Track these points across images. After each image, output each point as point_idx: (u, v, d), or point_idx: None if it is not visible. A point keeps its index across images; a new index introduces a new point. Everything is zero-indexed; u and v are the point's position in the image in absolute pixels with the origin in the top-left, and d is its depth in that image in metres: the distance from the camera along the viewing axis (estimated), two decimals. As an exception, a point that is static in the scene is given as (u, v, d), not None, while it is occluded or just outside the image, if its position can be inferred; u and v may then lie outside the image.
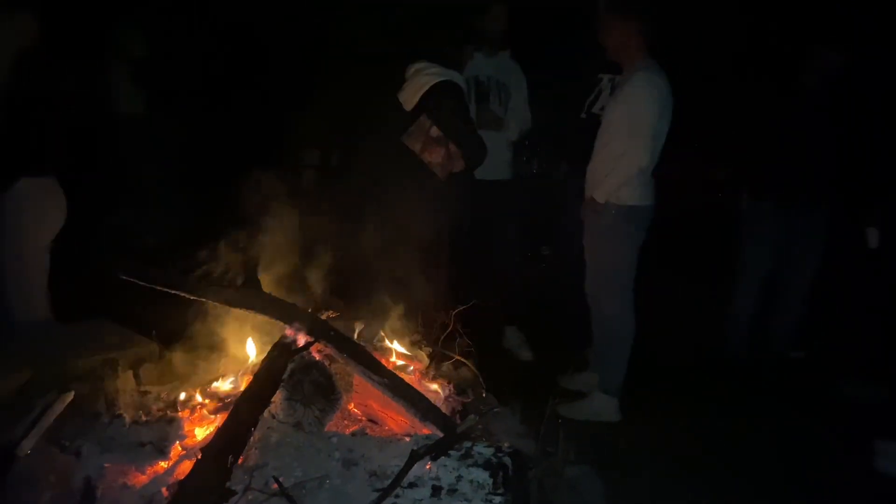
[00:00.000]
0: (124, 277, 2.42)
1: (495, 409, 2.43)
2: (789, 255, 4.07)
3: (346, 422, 2.41)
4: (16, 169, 2.79)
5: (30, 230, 2.89)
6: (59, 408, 2.07)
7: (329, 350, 2.35)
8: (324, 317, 2.54)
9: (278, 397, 2.18)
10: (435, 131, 3.10)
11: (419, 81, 3.12)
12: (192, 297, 2.39)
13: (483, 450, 2.04)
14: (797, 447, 3.24)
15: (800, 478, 3.01)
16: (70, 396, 2.10)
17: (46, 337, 2.73)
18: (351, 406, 2.45)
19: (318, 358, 2.37)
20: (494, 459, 2.00)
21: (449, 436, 2.08)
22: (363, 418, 2.44)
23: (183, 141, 5.23)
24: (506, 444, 2.10)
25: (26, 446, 1.98)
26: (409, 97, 3.16)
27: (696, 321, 4.45)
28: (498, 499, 1.88)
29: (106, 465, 2.02)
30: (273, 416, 2.18)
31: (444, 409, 2.36)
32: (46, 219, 2.93)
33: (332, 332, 2.37)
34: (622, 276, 3.41)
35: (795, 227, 4.00)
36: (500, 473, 1.95)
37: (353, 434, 2.28)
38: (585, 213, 3.47)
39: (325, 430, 2.25)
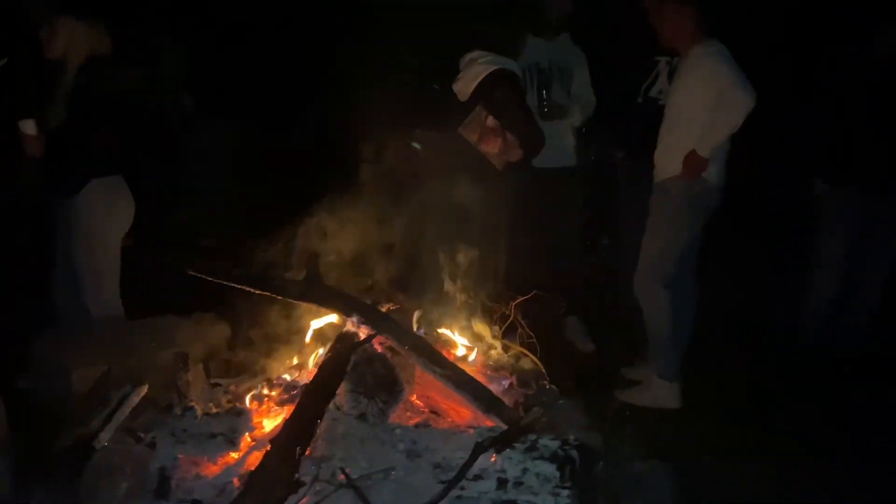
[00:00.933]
0: (192, 273, 2.49)
1: (559, 402, 2.39)
2: (868, 243, 3.87)
3: (409, 413, 2.42)
4: (88, 169, 2.89)
5: (102, 229, 3.00)
6: (134, 401, 2.14)
7: (391, 342, 2.36)
8: (384, 309, 2.54)
9: (342, 389, 2.20)
10: (491, 121, 3.07)
11: (474, 71, 3.09)
12: (256, 292, 2.44)
13: (549, 443, 2.01)
14: (870, 441, 3.09)
15: (871, 473, 2.86)
16: (144, 389, 2.17)
17: (120, 333, 2.83)
18: (413, 398, 2.46)
19: (380, 350, 2.38)
20: (561, 452, 1.97)
21: (513, 428, 2.06)
22: (426, 410, 2.44)
23: (242, 138, 5.35)
24: (572, 437, 2.06)
25: (104, 438, 2.05)
26: (464, 87, 3.13)
27: (767, 311, 4.28)
28: (565, 492, 1.86)
29: (179, 455, 2.08)
30: (338, 408, 2.21)
31: (506, 401, 2.34)
32: (117, 217, 3.03)
33: (393, 325, 2.38)
34: (672, 258, 3.32)
35: (876, 212, 3.79)
36: (568, 467, 1.92)
37: (417, 426, 2.29)
38: (654, 196, 3.38)
39: (389, 421, 2.26)
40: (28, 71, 2.96)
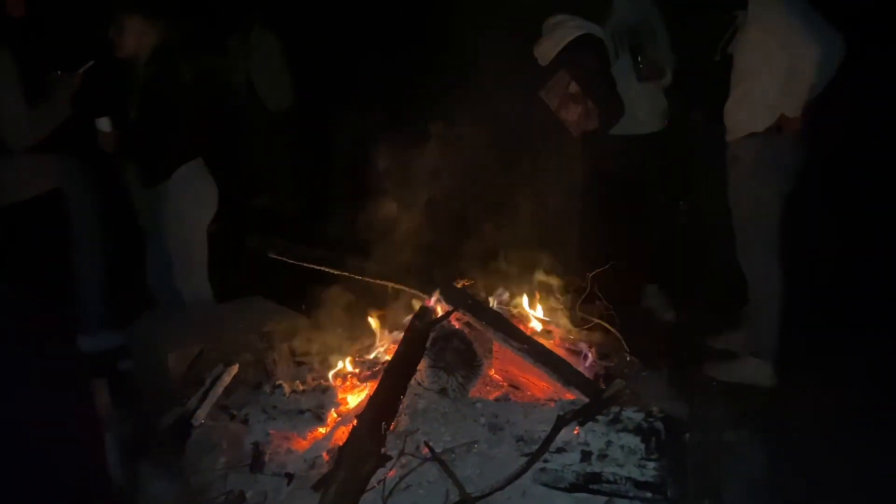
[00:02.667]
0: (273, 256, 2.57)
1: (642, 373, 2.35)
2: None
3: (488, 388, 2.43)
4: (168, 158, 3.00)
5: (188, 214, 3.11)
6: (226, 380, 2.25)
7: (468, 318, 2.37)
8: (460, 285, 2.56)
9: (423, 365, 2.24)
10: (574, 87, 2.96)
11: (559, 35, 2.98)
12: (335, 272, 2.50)
13: (632, 415, 1.98)
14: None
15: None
16: (235, 369, 2.28)
17: (210, 315, 2.96)
18: (492, 372, 2.47)
19: (457, 326, 2.40)
20: (645, 424, 1.94)
21: (595, 401, 2.04)
22: (505, 384, 2.45)
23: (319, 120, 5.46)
24: (656, 409, 2.02)
25: (201, 416, 2.17)
26: (547, 51, 3.02)
27: (863, 283, 4.02)
28: (652, 464, 1.83)
29: (271, 431, 2.17)
30: (419, 384, 2.24)
31: (587, 374, 2.32)
32: (202, 202, 3.14)
33: (469, 301, 2.39)
34: (772, 223, 3.15)
35: None
36: (653, 438, 1.89)
37: (497, 399, 2.30)
38: (729, 159, 3.22)
39: (469, 396, 2.28)
40: (102, 70, 3.10)
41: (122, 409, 2.37)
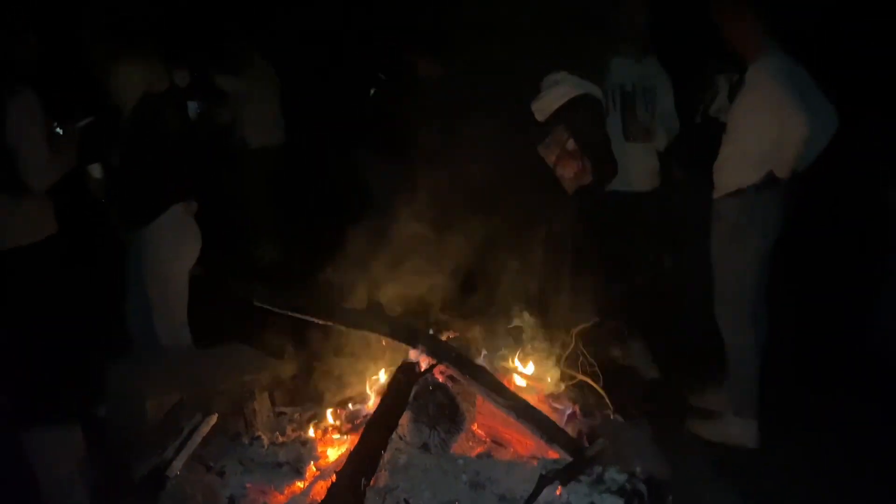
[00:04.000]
0: (258, 304, 2.55)
1: (625, 432, 2.34)
2: None
3: (471, 443, 2.41)
4: (154, 202, 3.01)
5: (171, 258, 3.10)
6: (204, 430, 2.20)
7: (451, 371, 2.36)
8: (444, 337, 2.55)
9: (405, 419, 2.21)
10: (572, 144, 3.05)
11: (558, 92, 3.07)
12: (319, 321, 2.48)
13: (616, 475, 1.97)
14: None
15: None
16: (214, 419, 2.23)
17: (189, 361, 2.92)
18: (475, 427, 2.44)
19: (441, 380, 2.38)
20: (628, 486, 1.93)
21: (578, 459, 2.03)
22: (488, 440, 2.43)
23: (303, 166, 5.49)
24: (639, 469, 2.01)
25: (176, 467, 2.12)
26: (545, 107, 3.11)
27: (840, 331, 4.08)
28: (634, 528, 1.81)
29: (247, 484, 2.12)
30: (401, 438, 2.21)
31: (570, 431, 2.30)
32: (185, 247, 3.13)
33: (453, 354, 2.38)
34: (752, 281, 3.19)
35: None
36: (636, 500, 1.87)
37: (480, 456, 2.28)
38: (714, 216, 3.28)
39: (451, 451, 2.25)
40: (97, 118, 3.14)
41: (95, 455, 2.33)
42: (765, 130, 3.03)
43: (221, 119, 5.37)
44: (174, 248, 3.10)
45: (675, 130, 3.85)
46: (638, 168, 3.78)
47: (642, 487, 1.92)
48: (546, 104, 3.06)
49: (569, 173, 3.05)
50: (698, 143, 3.76)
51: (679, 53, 4.01)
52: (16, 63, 2.97)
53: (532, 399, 2.38)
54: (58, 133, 3.09)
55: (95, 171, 3.00)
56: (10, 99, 2.80)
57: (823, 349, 3.89)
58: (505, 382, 2.41)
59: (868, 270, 4.02)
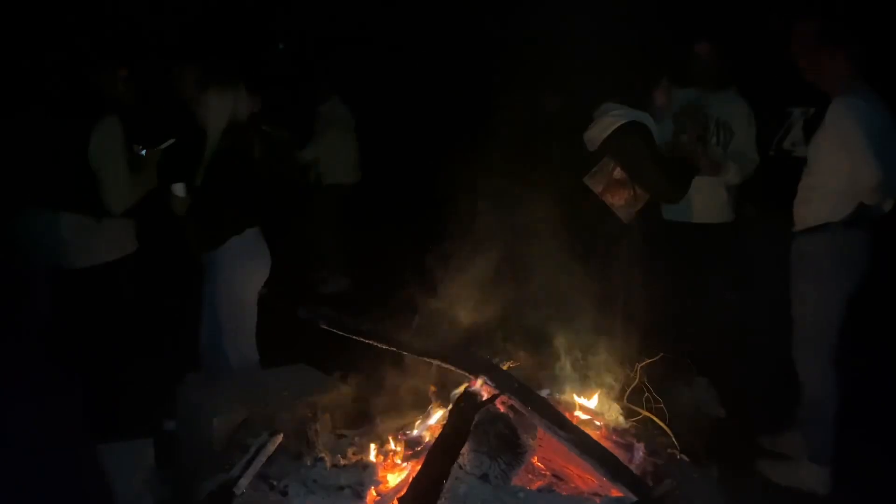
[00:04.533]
0: (325, 327, 2.61)
1: (692, 473, 2.27)
2: None
3: (531, 476, 2.37)
4: (229, 226, 3.13)
5: (241, 280, 3.20)
6: (270, 449, 2.25)
7: (513, 402, 2.34)
8: (506, 367, 2.54)
9: (465, 448, 2.20)
10: (619, 173, 3.05)
11: (605, 122, 3.09)
12: (383, 346, 2.51)
13: (682, 518, 1.90)
14: None
15: None
16: (280, 438, 2.28)
17: (255, 380, 2.99)
18: (535, 460, 2.41)
19: (502, 410, 2.37)
20: (695, 529, 1.86)
21: (644, 500, 1.97)
22: (549, 474, 2.39)
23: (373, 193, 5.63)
24: (706, 513, 1.94)
25: (243, 485, 2.17)
26: (594, 137, 3.13)
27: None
28: (702, 575, 1.74)
29: (310, 505, 2.15)
30: (461, 467, 2.20)
31: (635, 471, 2.25)
32: (255, 269, 3.23)
33: (516, 384, 2.37)
34: (833, 321, 3.06)
35: None
36: (704, 546, 1.80)
37: (540, 490, 2.25)
38: (794, 251, 3.17)
39: (512, 483, 2.23)
40: (179, 140, 3.30)
41: (164, 471, 2.40)
42: (844, 171, 2.95)
43: (300, 155, 5.55)
44: (245, 269, 3.20)
45: (750, 166, 3.76)
46: (705, 200, 3.71)
47: (710, 532, 1.85)
48: (594, 134, 3.08)
49: (619, 201, 3.04)
50: (771, 175, 3.67)
51: (758, 87, 3.93)
52: (102, 91, 3.15)
53: (595, 434, 2.34)
54: (140, 155, 3.27)
55: (179, 190, 3.13)
56: (93, 125, 2.96)
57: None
58: (567, 416, 2.38)
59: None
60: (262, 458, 2.22)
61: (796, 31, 3.18)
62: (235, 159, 3.07)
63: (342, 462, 2.37)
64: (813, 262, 3.08)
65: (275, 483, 2.26)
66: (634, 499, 2.02)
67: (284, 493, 2.21)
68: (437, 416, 2.51)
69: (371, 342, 2.52)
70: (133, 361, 3.32)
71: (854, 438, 3.18)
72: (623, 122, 3.04)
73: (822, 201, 3.05)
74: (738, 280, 4.02)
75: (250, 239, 3.20)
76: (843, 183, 2.96)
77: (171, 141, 3.28)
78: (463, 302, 2.61)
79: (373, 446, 2.44)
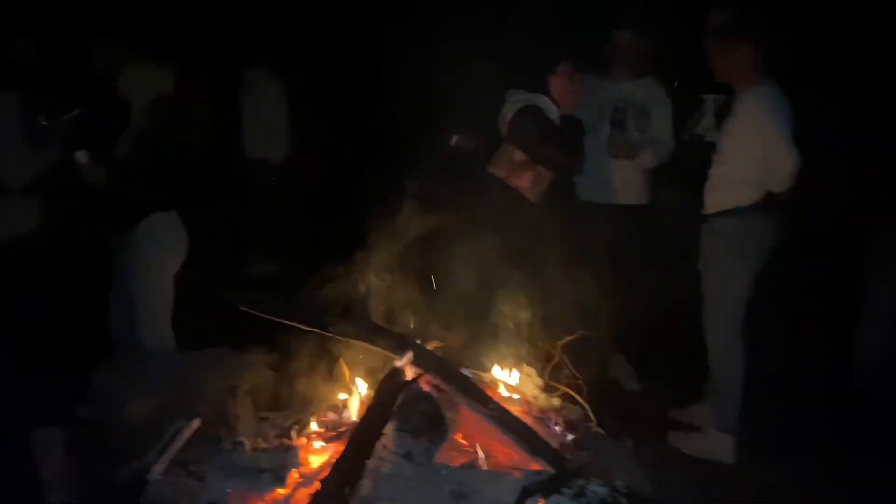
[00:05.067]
0: (245, 308, 2.55)
1: (608, 446, 2.35)
2: None
3: (454, 453, 2.40)
4: (145, 205, 3.01)
5: (156, 262, 3.10)
6: (187, 434, 2.19)
7: (437, 381, 2.36)
8: (430, 346, 2.55)
9: (389, 428, 2.21)
10: (519, 155, 3.13)
11: (505, 111, 3.17)
12: (306, 328, 2.48)
13: (597, 488, 1.97)
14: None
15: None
16: (197, 423, 2.22)
17: (172, 365, 2.91)
18: (459, 437, 2.45)
19: (426, 389, 2.39)
20: (609, 499, 1.93)
21: (561, 472, 2.04)
22: (472, 450, 2.43)
23: (294, 173, 5.48)
24: (620, 483, 2.02)
25: (157, 471, 2.11)
26: (503, 126, 3.21)
27: (823, 355, 4.13)
28: (615, 541, 1.82)
29: (228, 490, 2.11)
30: (385, 447, 2.21)
31: (553, 444, 2.31)
32: (171, 251, 3.13)
33: (439, 364, 2.39)
34: (739, 298, 3.24)
35: None
36: (617, 514, 1.88)
37: (463, 466, 2.27)
38: (705, 232, 3.33)
39: (435, 461, 2.25)
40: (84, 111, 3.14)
41: (77, 458, 2.31)
42: (756, 159, 3.11)
43: (223, 128, 5.33)
44: (160, 250, 3.09)
45: (666, 151, 3.90)
46: (621, 182, 3.83)
47: (623, 501, 1.93)
48: (501, 121, 3.16)
49: (524, 183, 3.13)
50: (684, 160, 3.81)
51: (673, 74, 4.07)
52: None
53: (516, 411, 2.39)
54: (42, 126, 3.08)
55: (82, 157, 2.96)
56: None
57: (805, 368, 3.95)
58: (490, 393, 2.42)
59: (853, 291, 4.09)
60: (178, 444, 2.16)
61: (709, 22, 3.30)
62: (159, 136, 2.95)
63: (263, 445, 2.33)
64: (722, 243, 3.25)
65: (192, 468, 2.20)
66: (553, 471, 2.08)
67: (202, 479, 2.16)
68: (361, 397, 2.51)
69: (293, 324, 2.48)
70: (43, 346, 3.17)
71: (767, 412, 3.40)
72: (519, 106, 3.12)
73: (732, 187, 3.21)
74: (654, 260, 4.19)
75: (167, 218, 3.09)
76: (755, 170, 3.12)
77: (76, 112, 3.10)
78: (385, 283, 2.61)
79: (295, 428, 2.41)
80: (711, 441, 3.27)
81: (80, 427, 2.63)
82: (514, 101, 3.20)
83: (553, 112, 3.23)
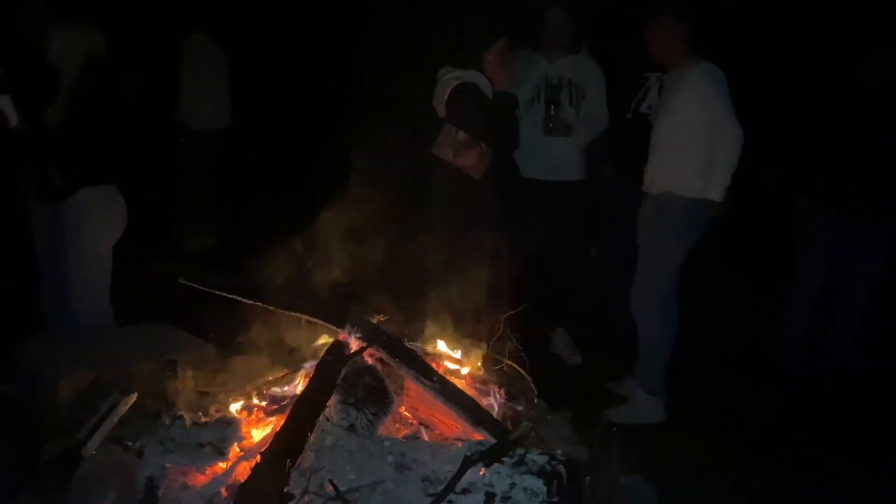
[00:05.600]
0: (183, 281, 2.49)
1: (548, 416, 2.41)
2: (849, 263, 3.93)
3: (398, 426, 2.43)
4: (80, 177, 2.88)
5: (93, 236, 2.98)
6: (122, 409, 2.14)
7: (381, 354, 2.37)
8: (375, 320, 2.55)
9: (332, 401, 2.21)
10: (462, 135, 3.13)
11: (441, 88, 3.15)
12: (248, 301, 2.44)
13: (536, 457, 2.03)
14: (857, 460, 3.13)
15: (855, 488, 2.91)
16: (133, 398, 2.17)
17: (109, 340, 2.82)
18: (402, 410, 2.47)
19: (370, 362, 2.39)
20: (548, 467, 1.99)
21: (502, 442, 2.08)
22: (415, 422, 2.45)
23: (236, 145, 5.33)
24: (559, 452, 2.08)
25: (91, 447, 2.05)
26: (439, 105, 3.19)
27: (749, 328, 4.34)
28: (553, 507, 1.87)
29: (167, 465, 2.07)
30: (327, 420, 2.21)
31: (495, 415, 2.36)
32: (108, 225, 3.01)
33: (383, 336, 2.39)
34: (672, 274, 3.36)
35: (858, 234, 3.84)
36: (555, 482, 1.94)
37: (406, 438, 2.30)
38: (646, 209, 3.41)
39: (378, 433, 2.27)
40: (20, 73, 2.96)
41: (3, 436, 2.23)
42: (699, 134, 3.18)
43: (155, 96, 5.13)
44: (97, 223, 2.98)
45: (600, 127, 3.96)
46: (558, 159, 3.88)
47: (561, 469, 1.99)
48: (437, 102, 3.15)
49: (470, 161, 3.14)
50: (628, 138, 3.88)
51: (612, 51, 4.12)
52: None
53: (459, 383, 2.42)
54: None
55: (4, 102, 2.78)
56: None
57: (727, 339, 4.14)
58: (433, 366, 2.44)
59: (775, 268, 4.29)
60: (114, 419, 2.10)
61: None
62: (95, 102, 2.81)
63: (203, 420, 2.29)
64: (661, 221, 3.34)
65: (129, 444, 2.15)
66: (494, 441, 2.12)
67: (140, 454, 2.11)
68: (304, 371, 2.49)
69: (234, 297, 2.44)
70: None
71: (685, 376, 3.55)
72: (454, 84, 3.12)
73: (673, 169, 3.29)
74: (595, 235, 4.28)
75: (104, 189, 2.97)
76: (698, 148, 3.20)
77: (1, 72, 2.92)
78: (328, 257, 2.58)
79: (236, 402, 2.38)
80: (640, 405, 3.40)
81: (5, 405, 2.54)
82: (449, 79, 3.17)
83: (488, 89, 3.23)
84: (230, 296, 2.44)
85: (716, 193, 3.22)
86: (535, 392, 2.59)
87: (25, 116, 2.83)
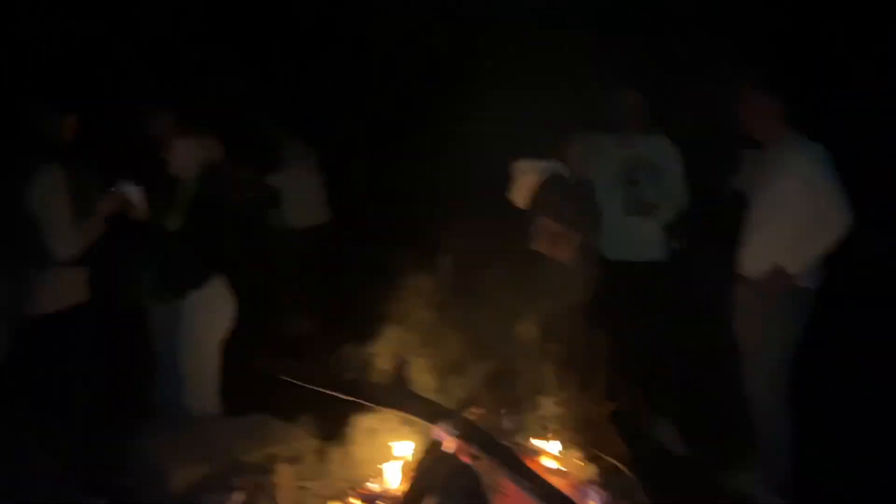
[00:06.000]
0: (284, 378, 2.57)
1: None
2: None
3: (496, 528, 2.35)
4: (196, 275, 3.07)
5: (206, 329, 3.15)
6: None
7: (478, 453, 2.32)
8: (471, 416, 2.52)
9: (431, 501, 2.17)
10: (553, 226, 3.11)
11: (525, 181, 3.16)
12: (345, 397, 2.47)
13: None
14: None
15: None
16: (242, 498, 2.21)
17: (217, 431, 2.91)
18: (500, 511, 2.39)
19: (466, 460, 2.35)
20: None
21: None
22: (515, 525, 2.37)
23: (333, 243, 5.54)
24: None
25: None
26: (520, 197, 3.20)
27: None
28: None
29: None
30: (426, 523, 2.17)
31: (599, 518, 2.25)
32: (219, 319, 3.18)
33: (479, 434, 2.35)
34: (782, 364, 3.15)
35: None
36: None
37: (505, 542, 2.22)
38: (746, 294, 3.25)
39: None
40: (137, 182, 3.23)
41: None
42: (802, 214, 3.03)
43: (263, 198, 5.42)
44: (210, 318, 3.14)
45: (680, 206, 3.89)
46: (635, 238, 3.82)
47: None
48: (519, 194, 3.15)
49: (566, 254, 3.10)
50: (724, 216, 3.76)
51: (692, 129, 4.09)
52: (46, 138, 3.05)
53: (560, 483, 2.33)
54: (90, 198, 3.17)
55: (131, 191, 3.01)
56: (35, 173, 2.87)
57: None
58: (531, 464, 2.37)
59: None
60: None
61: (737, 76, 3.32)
62: (210, 207, 3.03)
63: (302, 517, 2.31)
64: (760, 307, 3.15)
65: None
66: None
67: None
68: (402, 466, 2.48)
69: (332, 393, 2.48)
70: (84, 414, 3.22)
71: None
72: (544, 177, 3.12)
73: (762, 256, 3.13)
74: (683, 317, 4.11)
75: (215, 285, 3.15)
76: (800, 229, 3.04)
77: (123, 183, 3.20)
78: (425, 353, 2.60)
79: (334, 499, 2.39)
80: None
81: (124, 497, 2.65)
82: (534, 171, 3.19)
83: (571, 177, 3.24)
84: (327, 391, 2.49)
85: (793, 265, 3.05)
86: (644, 492, 2.45)
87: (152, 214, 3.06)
